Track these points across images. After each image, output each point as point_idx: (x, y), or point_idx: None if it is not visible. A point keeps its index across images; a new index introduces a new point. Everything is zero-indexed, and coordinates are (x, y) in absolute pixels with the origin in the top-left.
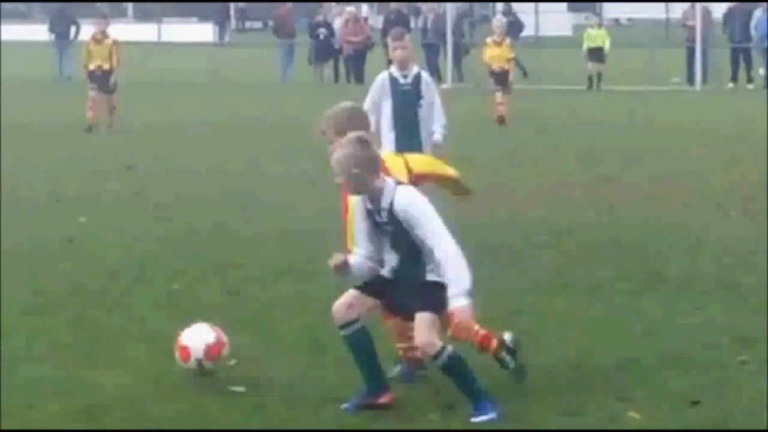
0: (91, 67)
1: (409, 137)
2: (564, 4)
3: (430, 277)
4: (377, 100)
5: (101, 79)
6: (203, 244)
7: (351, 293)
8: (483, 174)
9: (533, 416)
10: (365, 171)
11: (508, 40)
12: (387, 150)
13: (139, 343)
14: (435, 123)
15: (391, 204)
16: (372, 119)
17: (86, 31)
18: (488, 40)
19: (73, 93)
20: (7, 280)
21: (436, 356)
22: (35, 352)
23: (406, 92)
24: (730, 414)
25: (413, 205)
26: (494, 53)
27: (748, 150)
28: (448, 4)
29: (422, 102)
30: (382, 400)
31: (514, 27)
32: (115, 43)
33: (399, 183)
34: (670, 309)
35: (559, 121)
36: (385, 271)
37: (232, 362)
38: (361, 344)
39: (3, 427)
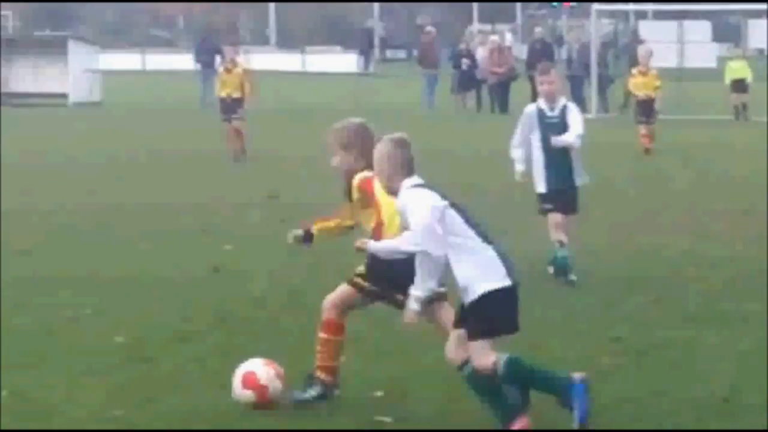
0: (222, 95)
1: (558, 168)
2: (709, 34)
3: (468, 297)
4: (527, 133)
5: (230, 107)
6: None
7: (454, 332)
8: (628, 204)
9: None
10: (392, 170)
11: (654, 70)
12: (540, 189)
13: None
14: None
15: None
16: (522, 153)
17: None
18: (634, 71)
19: (215, 122)
20: (157, 308)
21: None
22: (184, 380)
23: (553, 124)
24: None
25: (402, 205)
26: (639, 81)
27: None
28: (593, 36)
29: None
30: (517, 425)
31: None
32: (246, 72)
33: (415, 186)
34: None
35: (705, 152)
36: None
37: (379, 393)
38: (481, 381)
39: None
